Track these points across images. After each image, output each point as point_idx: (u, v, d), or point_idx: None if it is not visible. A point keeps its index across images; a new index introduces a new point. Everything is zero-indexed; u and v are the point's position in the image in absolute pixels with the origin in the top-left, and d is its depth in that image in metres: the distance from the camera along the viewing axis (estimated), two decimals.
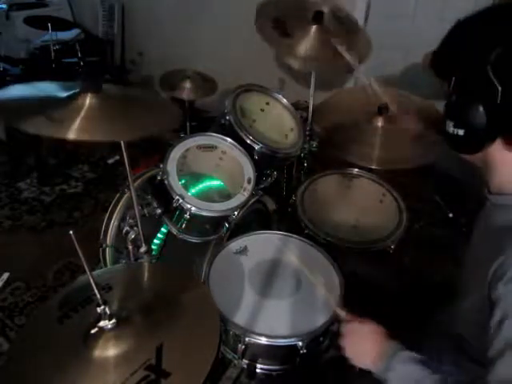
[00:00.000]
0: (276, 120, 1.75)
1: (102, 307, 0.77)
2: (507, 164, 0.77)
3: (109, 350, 0.78)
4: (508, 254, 0.70)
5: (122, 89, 1.23)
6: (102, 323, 0.79)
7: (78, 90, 1.03)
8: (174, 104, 1.26)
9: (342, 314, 0.95)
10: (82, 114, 0.96)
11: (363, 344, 0.86)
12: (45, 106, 0.97)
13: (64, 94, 1.03)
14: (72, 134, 0.90)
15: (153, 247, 1.49)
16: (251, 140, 1.52)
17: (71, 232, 0.70)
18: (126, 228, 1.36)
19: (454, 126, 0.77)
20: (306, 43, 1.64)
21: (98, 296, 0.77)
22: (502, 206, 0.79)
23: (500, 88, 0.68)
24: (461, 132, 0.76)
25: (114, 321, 0.79)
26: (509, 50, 0.69)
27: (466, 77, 0.75)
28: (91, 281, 0.75)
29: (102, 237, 1.54)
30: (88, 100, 1.00)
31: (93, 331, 0.79)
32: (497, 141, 0.74)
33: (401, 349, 0.80)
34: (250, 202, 1.48)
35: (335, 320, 1.11)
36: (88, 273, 0.74)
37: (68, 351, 0.80)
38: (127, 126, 1.00)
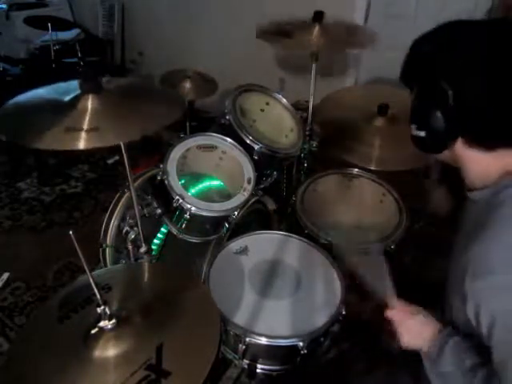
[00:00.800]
0: (276, 120, 1.75)
1: (102, 307, 0.77)
2: (472, 161, 0.82)
3: (109, 350, 0.78)
4: (470, 248, 0.74)
5: (121, 81, 1.21)
6: (102, 323, 0.79)
7: (78, 92, 1.02)
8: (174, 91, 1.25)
9: (394, 302, 0.96)
10: (87, 119, 0.95)
11: (419, 334, 0.89)
12: (50, 117, 0.96)
13: (65, 98, 1.02)
14: (82, 144, 0.90)
15: (153, 247, 1.49)
16: (251, 140, 1.52)
17: (71, 232, 0.70)
18: (126, 228, 1.36)
19: (417, 129, 0.84)
20: (306, 43, 1.64)
21: (98, 296, 0.77)
22: (476, 201, 0.84)
23: (450, 92, 0.75)
24: (422, 133, 0.83)
25: (113, 321, 0.79)
26: (454, 57, 0.77)
27: (423, 84, 0.83)
28: (91, 281, 0.75)
29: (101, 237, 1.54)
30: (90, 103, 0.99)
31: (93, 331, 0.79)
32: (459, 139, 0.80)
33: (450, 332, 0.84)
34: (250, 202, 1.48)
35: (338, 320, 1.12)
36: (88, 273, 0.74)
37: (68, 351, 0.80)
38: (133, 124, 0.99)
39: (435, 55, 0.80)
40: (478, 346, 0.79)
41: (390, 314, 0.94)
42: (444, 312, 0.94)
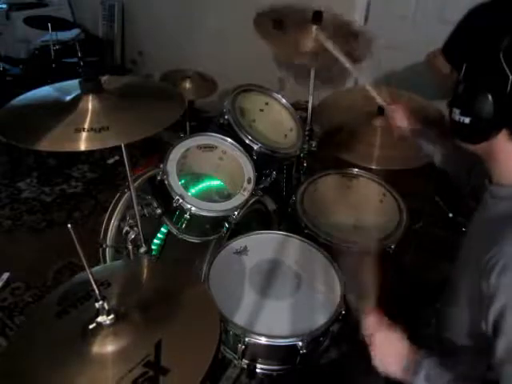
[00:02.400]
0: (275, 120, 1.75)
1: (101, 302, 0.77)
2: (510, 156, 0.76)
3: (107, 346, 0.78)
4: (501, 243, 0.69)
5: (121, 80, 1.21)
6: (100, 318, 0.79)
7: (79, 92, 1.02)
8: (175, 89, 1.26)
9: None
10: (88, 120, 0.96)
11: (392, 355, 0.84)
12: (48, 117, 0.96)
13: (65, 99, 1.03)
14: (82, 146, 0.91)
15: (153, 247, 1.50)
16: (250, 140, 1.52)
17: (69, 225, 0.69)
18: (126, 228, 1.36)
19: (461, 114, 0.76)
20: (306, 43, 1.64)
21: (97, 291, 0.76)
22: (500, 197, 0.79)
23: (511, 77, 0.67)
24: (467, 120, 0.75)
25: (112, 316, 0.79)
26: None
27: (477, 63, 0.74)
28: (89, 275, 0.75)
29: (101, 237, 1.54)
30: (90, 103, 1.00)
31: (91, 327, 0.79)
32: (502, 132, 0.73)
33: (425, 355, 0.80)
34: (250, 202, 1.48)
35: (338, 319, 1.11)
36: (86, 267, 0.74)
37: (66, 347, 0.80)
38: (135, 125, 1.00)
39: (502, 31, 0.69)
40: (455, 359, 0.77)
41: (368, 319, 0.89)
42: (441, 314, 0.93)
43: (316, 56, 1.65)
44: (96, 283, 0.76)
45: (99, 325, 0.79)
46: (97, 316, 0.79)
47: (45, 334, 0.85)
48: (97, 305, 0.78)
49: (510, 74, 0.67)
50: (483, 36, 0.73)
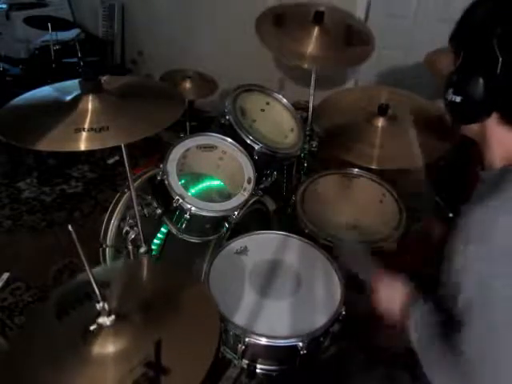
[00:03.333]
0: (276, 120, 1.75)
1: (101, 303, 0.77)
2: (501, 140, 0.78)
3: (108, 347, 0.78)
4: (468, 216, 0.71)
5: (121, 80, 1.21)
6: (100, 320, 0.78)
7: (79, 92, 1.02)
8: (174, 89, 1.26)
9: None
10: (88, 120, 0.96)
11: (393, 297, 0.92)
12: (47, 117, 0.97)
13: (65, 99, 1.03)
14: (82, 145, 0.92)
15: (153, 247, 1.49)
16: (251, 140, 1.52)
17: (70, 227, 0.69)
18: (126, 228, 1.36)
19: (453, 93, 0.80)
20: (307, 44, 1.64)
21: (97, 292, 0.76)
22: (488, 181, 0.80)
23: (501, 59, 0.70)
24: (458, 99, 0.79)
25: (112, 317, 0.79)
26: None
27: (472, 47, 0.77)
28: (90, 275, 0.74)
29: (101, 237, 1.54)
30: (90, 103, 1.00)
31: (92, 328, 0.79)
32: (494, 115, 0.76)
33: (420, 301, 0.86)
34: (250, 202, 1.48)
35: (338, 320, 1.12)
36: (86, 267, 0.74)
37: (67, 348, 0.80)
38: (135, 125, 1.00)
39: (497, 19, 0.73)
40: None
41: (374, 283, 0.97)
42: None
43: (317, 57, 1.65)
44: (96, 284, 0.76)
45: (100, 326, 0.79)
46: (97, 317, 0.79)
47: (45, 335, 0.85)
48: (98, 306, 0.77)
49: (500, 57, 0.70)
50: (480, 24, 0.76)
